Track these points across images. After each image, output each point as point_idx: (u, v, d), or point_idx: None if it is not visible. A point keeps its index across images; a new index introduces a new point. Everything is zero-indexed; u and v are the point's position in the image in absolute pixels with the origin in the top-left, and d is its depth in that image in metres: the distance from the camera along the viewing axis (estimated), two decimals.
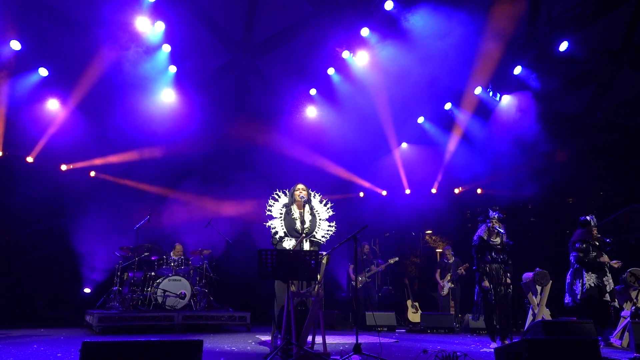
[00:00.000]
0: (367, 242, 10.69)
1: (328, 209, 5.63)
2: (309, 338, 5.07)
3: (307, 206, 5.49)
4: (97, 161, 10.49)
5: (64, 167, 10.35)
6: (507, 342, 6.16)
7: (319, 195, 5.73)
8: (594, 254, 6.84)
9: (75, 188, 10.05)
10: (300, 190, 5.54)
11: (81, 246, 9.73)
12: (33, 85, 9.06)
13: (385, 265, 10.23)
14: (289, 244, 5.38)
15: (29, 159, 9.83)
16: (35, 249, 9.80)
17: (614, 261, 6.90)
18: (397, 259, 10.39)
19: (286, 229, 5.42)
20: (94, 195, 10.29)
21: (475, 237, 6.60)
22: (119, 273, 8.29)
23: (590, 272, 6.80)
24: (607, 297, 6.70)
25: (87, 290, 9.72)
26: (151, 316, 7.40)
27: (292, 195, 5.58)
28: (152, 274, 8.27)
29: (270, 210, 5.53)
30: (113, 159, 10.52)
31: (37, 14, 8.48)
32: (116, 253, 8.61)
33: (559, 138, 10.83)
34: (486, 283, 6.34)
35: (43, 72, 8.99)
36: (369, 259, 10.28)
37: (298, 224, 5.42)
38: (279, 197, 5.63)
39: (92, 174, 10.66)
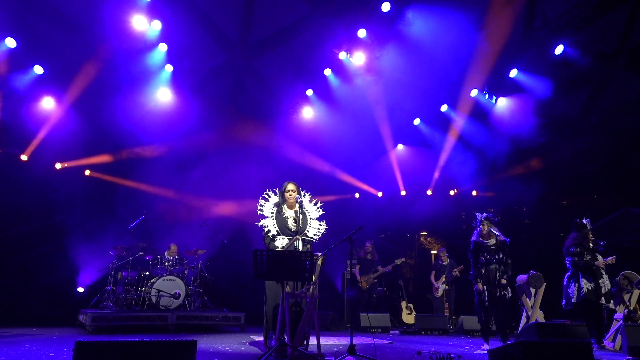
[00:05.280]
0: (369, 242, 10.48)
1: (318, 208, 5.69)
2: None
3: (297, 205, 5.52)
4: (92, 160, 10.43)
5: (58, 166, 10.28)
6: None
7: (309, 195, 5.79)
8: (589, 257, 6.89)
9: (69, 187, 9.98)
10: (291, 190, 5.58)
11: (75, 245, 9.67)
12: (28, 83, 9.01)
13: (392, 266, 10.24)
14: (281, 242, 5.44)
15: (24, 157, 9.76)
16: (28, 247, 9.73)
17: (609, 257, 6.91)
18: (403, 259, 10.43)
19: (278, 227, 5.49)
20: (88, 194, 10.23)
21: (470, 242, 6.61)
22: (112, 272, 8.26)
23: (586, 276, 6.84)
24: (603, 300, 6.74)
25: (80, 289, 9.66)
26: (145, 316, 7.37)
27: (282, 195, 5.63)
28: (147, 273, 8.24)
29: (261, 210, 5.58)
30: (108, 157, 10.47)
31: (32, 11, 8.43)
32: (110, 252, 8.57)
33: (552, 140, 10.88)
34: (479, 286, 6.35)
35: (38, 69, 8.94)
36: (373, 258, 10.25)
37: (290, 223, 5.48)
38: (269, 196, 5.68)
39: (87, 172, 10.60)
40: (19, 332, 6.80)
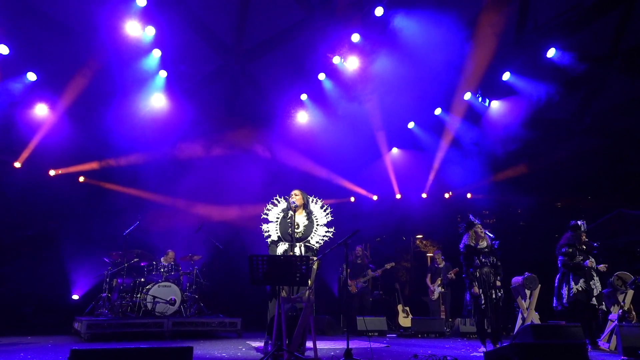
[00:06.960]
0: (360, 246, 10.63)
1: (327, 214, 5.67)
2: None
3: (303, 211, 5.53)
4: (86, 166, 10.40)
5: (52, 173, 10.24)
6: (498, 345, 6.20)
7: (321, 201, 5.77)
8: (580, 257, 6.93)
9: (63, 194, 9.95)
10: (293, 195, 5.60)
11: (70, 252, 9.63)
12: (21, 90, 8.97)
13: (382, 271, 10.26)
14: (282, 248, 5.43)
15: (17, 164, 9.71)
16: (22, 255, 9.67)
17: (601, 265, 6.98)
18: (393, 264, 10.44)
19: (281, 233, 5.50)
20: (82, 201, 10.20)
21: (461, 246, 6.65)
22: (107, 279, 8.20)
23: (577, 277, 6.89)
24: (594, 301, 6.77)
25: (75, 296, 9.62)
26: (140, 323, 7.33)
27: (289, 201, 5.65)
28: (142, 280, 8.20)
29: (267, 214, 5.59)
30: (102, 164, 10.43)
31: (26, 18, 8.41)
32: (105, 259, 8.52)
33: (546, 142, 10.95)
34: (475, 289, 6.37)
35: (32, 76, 8.91)
36: (363, 262, 10.28)
37: (291, 229, 5.46)
38: (279, 202, 5.68)
39: (81, 179, 10.56)
40: (13, 341, 6.75)
